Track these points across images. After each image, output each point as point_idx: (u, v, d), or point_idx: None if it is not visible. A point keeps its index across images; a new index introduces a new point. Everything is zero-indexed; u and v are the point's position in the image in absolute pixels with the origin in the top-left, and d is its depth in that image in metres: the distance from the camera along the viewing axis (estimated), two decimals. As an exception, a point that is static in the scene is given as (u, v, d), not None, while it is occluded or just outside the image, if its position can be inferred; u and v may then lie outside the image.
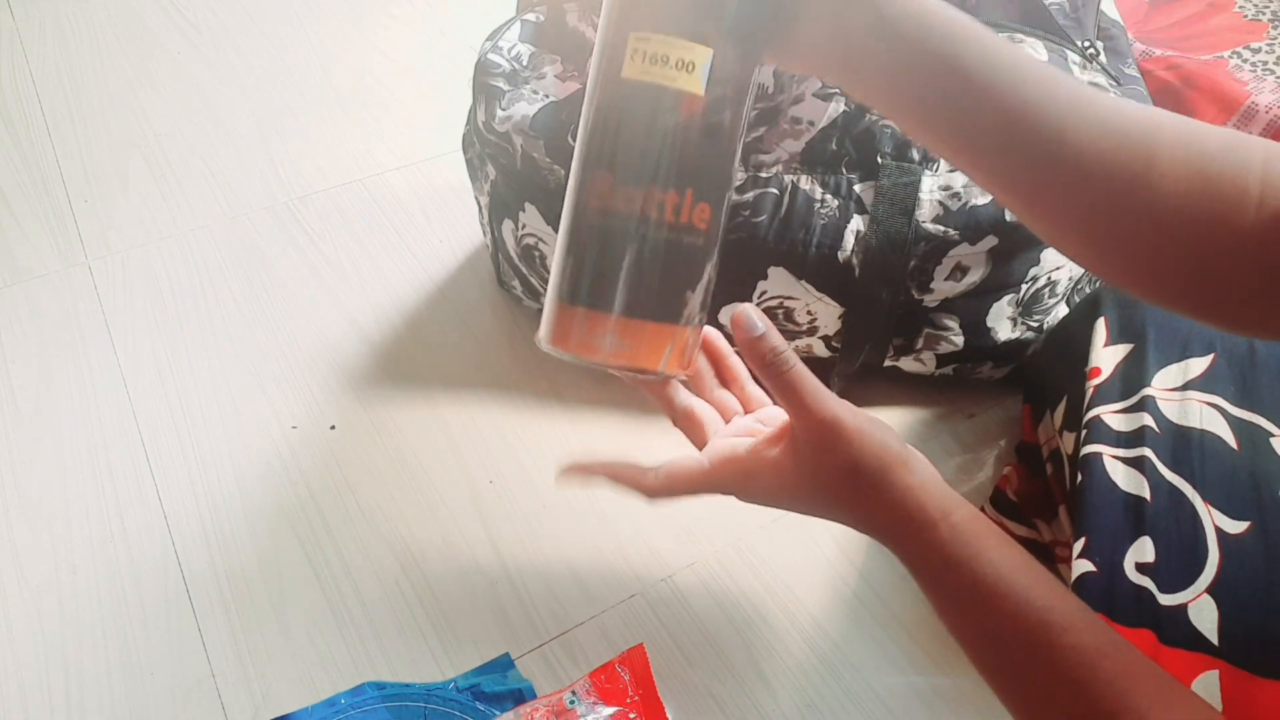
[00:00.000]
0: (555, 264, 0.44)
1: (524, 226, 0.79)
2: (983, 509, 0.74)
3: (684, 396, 0.56)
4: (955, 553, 0.45)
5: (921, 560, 0.47)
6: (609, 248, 0.42)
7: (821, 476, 0.48)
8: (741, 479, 0.51)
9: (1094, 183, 0.44)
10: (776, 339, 0.46)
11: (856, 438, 0.46)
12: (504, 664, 0.67)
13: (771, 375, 0.46)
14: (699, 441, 0.55)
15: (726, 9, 0.41)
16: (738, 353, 0.53)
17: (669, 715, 0.64)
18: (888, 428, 0.48)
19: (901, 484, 0.46)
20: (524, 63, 0.79)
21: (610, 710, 0.63)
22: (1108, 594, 0.56)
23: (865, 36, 0.44)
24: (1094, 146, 0.44)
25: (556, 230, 0.77)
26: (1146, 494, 0.58)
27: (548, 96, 0.77)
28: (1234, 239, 0.42)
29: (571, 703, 0.63)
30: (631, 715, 0.63)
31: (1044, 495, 0.70)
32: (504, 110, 0.77)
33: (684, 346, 0.44)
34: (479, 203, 0.87)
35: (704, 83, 0.41)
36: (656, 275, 0.42)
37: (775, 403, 0.53)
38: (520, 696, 0.65)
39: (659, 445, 0.58)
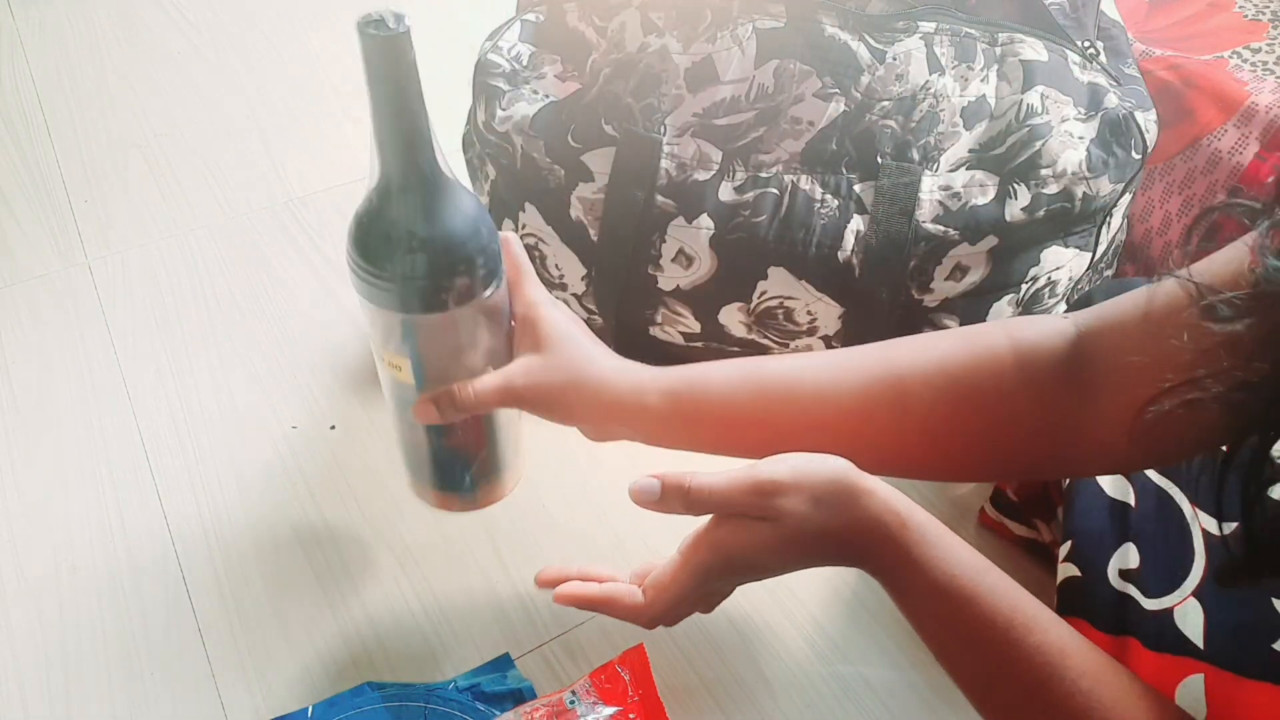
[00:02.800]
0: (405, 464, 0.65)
1: (524, 226, 0.79)
2: (983, 509, 0.74)
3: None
4: (921, 555, 0.46)
5: (893, 566, 0.47)
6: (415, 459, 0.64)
7: (794, 522, 0.48)
8: (724, 560, 0.50)
9: (864, 431, 0.52)
10: (671, 482, 0.49)
11: (800, 480, 0.47)
12: (504, 664, 0.67)
13: (695, 507, 0.49)
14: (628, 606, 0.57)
15: (406, 338, 0.55)
16: None
17: (669, 715, 0.64)
18: (824, 457, 0.48)
19: (861, 495, 0.47)
20: (524, 63, 0.79)
21: (610, 710, 0.63)
22: (1091, 599, 0.56)
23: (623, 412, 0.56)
24: (849, 405, 0.52)
25: (557, 230, 0.78)
26: (1132, 499, 0.58)
27: (548, 96, 0.77)
28: (1005, 409, 0.50)
29: (571, 703, 0.63)
30: (631, 715, 0.63)
31: (1044, 495, 0.70)
32: (504, 110, 0.77)
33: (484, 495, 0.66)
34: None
35: (411, 373, 0.56)
36: (435, 464, 0.63)
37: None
38: (520, 696, 0.65)
39: (656, 452, 0.58)
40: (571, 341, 0.55)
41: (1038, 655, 0.42)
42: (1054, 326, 0.51)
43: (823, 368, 0.53)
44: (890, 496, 0.47)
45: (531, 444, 0.81)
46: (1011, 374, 0.50)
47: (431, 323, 0.53)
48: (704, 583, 0.51)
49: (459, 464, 0.63)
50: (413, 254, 0.51)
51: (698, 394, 0.54)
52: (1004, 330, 0.52)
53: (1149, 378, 0.40)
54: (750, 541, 0.48)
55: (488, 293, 0.54)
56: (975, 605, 0.44)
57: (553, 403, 0.56)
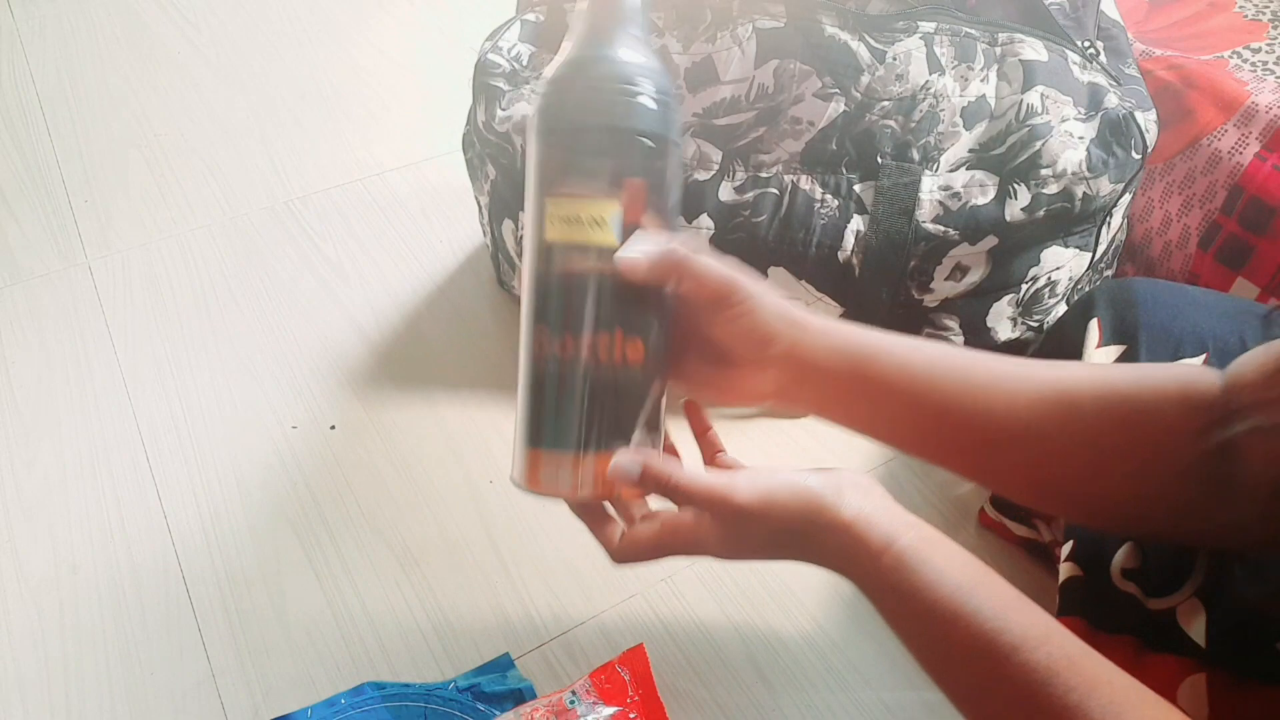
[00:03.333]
0: (517, 411, 0.48)
1: (524, 226, 0.79)
2: (983, 509, 0.74)
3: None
4: (903, 581, 0.45)
5: (872, 592, 0.47)
6: (554, 393, 0.47)
7: (755, 542, 0.48)
8: (688, 546, 0.49)
9: (1030, 445, 0.50)
10: (654, 469, 0.47)
11: (767, 510, 0.46)
12: (504, 664, 0.67)
13: (670, 496, 0.48)
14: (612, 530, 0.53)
15: (624, 162, 0.46)
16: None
17: (669, 715, 0.64)
18: (806, 473, 0.47)
19: (837, 524, 0.46)
20: (524, 63, 0.79)
21: (610, 710, 0.63)
22: (1092, 599, 0.56)
23: (788, 364, 0.50)
24: (1018, 418, 0.49)
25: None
26: None
27: (548, 96, 0.77)
28: (1160, 465, 0.48)
29: (571, 703, 0.63)
30: (631, 715, 0.63)
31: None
32: (504, 110, 0.77)
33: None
34: (479, 203, 0.87)
35: (616, 233, 0.45)
36: (602, 412, 0.46)
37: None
38: (520, 696, 0.65)
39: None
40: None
41: (1021, 675, 0.42)
42: (1208, 371, 0.50)
43: (1000, 375, 0.51)
44: (871, 524, 0.46)
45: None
46: (1175, 401, 0.48)
47: (659, 152, 0.47)
48: (668, 555, 0.51)
49: (632, 400, 0.47)
50: (649, 77, 0.46)
51: (882, 362, 0.50)
52: (1165, 368, 0.52)
53: None
54: (715, 542, 0.48)
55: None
56: (956, 628, 0.44)
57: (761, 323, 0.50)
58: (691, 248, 0.47)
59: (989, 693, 0.44)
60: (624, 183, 0.45)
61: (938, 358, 0.51)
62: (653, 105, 0.46)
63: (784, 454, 0.80)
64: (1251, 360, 0.47)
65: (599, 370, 0.46)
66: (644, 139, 0.46)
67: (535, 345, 0.47)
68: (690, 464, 0.50)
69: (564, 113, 0.46)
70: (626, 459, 0.47)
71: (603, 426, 0.46)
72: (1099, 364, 0.52)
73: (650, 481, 0.47)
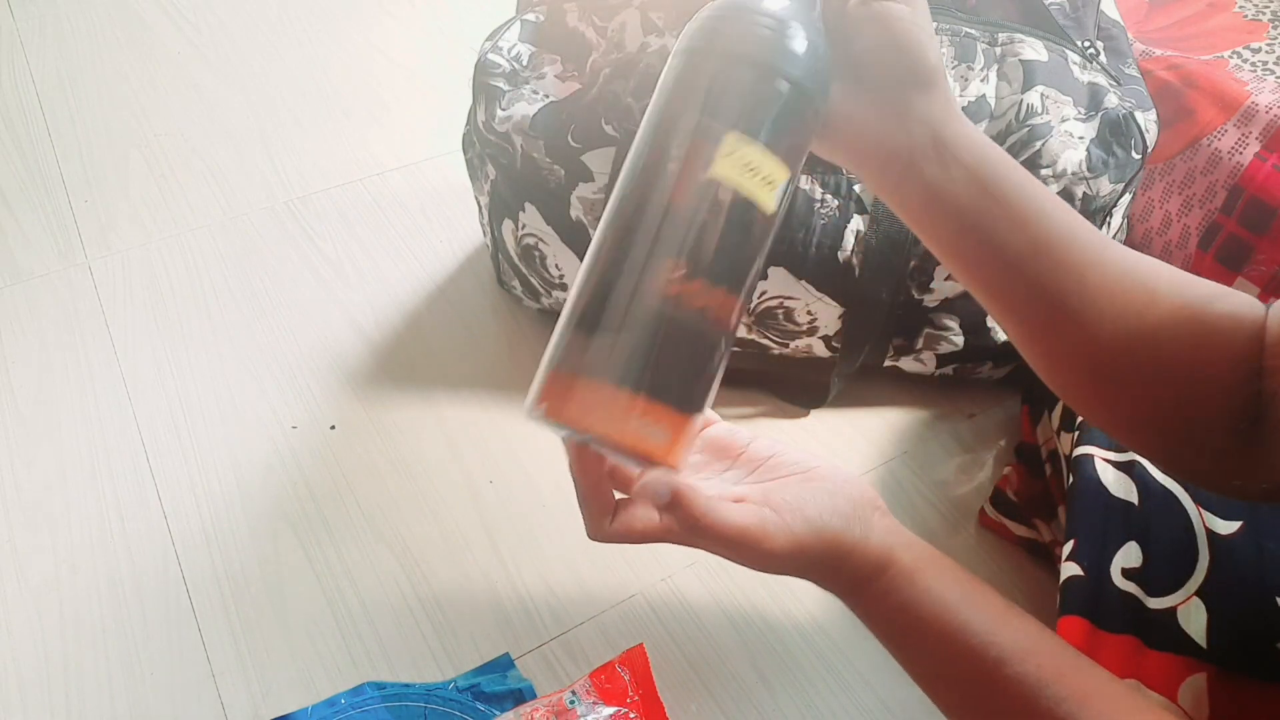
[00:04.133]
0: (587, 338, 0.41)
1: (524, 226, 0.79)
2: (983, 509, 0.74)
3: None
4: (897, 598, 0.46)
5: (866, 616, 0.47)
6: (649, 328, 0.41)
7: (764, 561, 0.46)
8: (695, 546, 0.47)
9: (1104, 322, 0.45)
10: (685, 499, 0.44)
11: (794, 556, 0.45)
12: (504, 664, 0.67)
13: (694, 532, 0.45)
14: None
15: (804, 143, 0.44)
16: None
17: (669, 715, 0.64)
18: (832, 514, 0.46)
19: (848, 558, 0.46)
20: (524, 63, 0.79)
21: (610, 710, 0.63)
22: (1094, 598, 0.56)
23: (916, 152, 0.46)
24: (1108, 288, 0.45)
25: (557, 230, 0.78)
26: (1135, 499, 0.58)
27: (548, 96, 0.77)
28: (1218, 392, 0.44)
29: (571, 703, 0.63)
30: (631, 715, 0.63)
31: (1044, 495, 0.70)
32: (504, 110, 0.77)
33: (691, 439, 0.44)
34: (479, 203, 0.87)
35: (777, 201, 0.43)
36: (697, 367, 0.43)
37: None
38: (520, 696, 0.65)
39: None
40: None
41: (1011, 687, 0.42)
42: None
43: (1087, 243, 0.47)
44: (880, 544, 0.46)
45: (531, 444, 0.81)
46: (1250, 322, 0.45)
47: (824, 111, 0.45)
48: (662, 543, 0.48)
49: (713, 365, 0.44)
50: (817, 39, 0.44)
51: (1001, 179, 0.46)
52: (1245, 297, 0.47)
53: None
54: (722, 554, 0.47)
55: None
56: (946, 643, 0.44)
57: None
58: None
59: (980, 706, 0.44)
60: (798, 162, 0.44)
61: (1050, 197, 0.47)
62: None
63: (784, 454, 0.79)
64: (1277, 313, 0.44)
65: (706, 324, 0.42)
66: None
67: (654, 272, 0.41)
68: (714, 488, 0.48)
69: (791, 61, 0.43)
70: (656, 479, 0.45)
71: (679, 380, 0.42)
72: (1181, 272, 0.48)
73: (678, 510, 0.44)
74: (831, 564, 0.46)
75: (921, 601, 0.45)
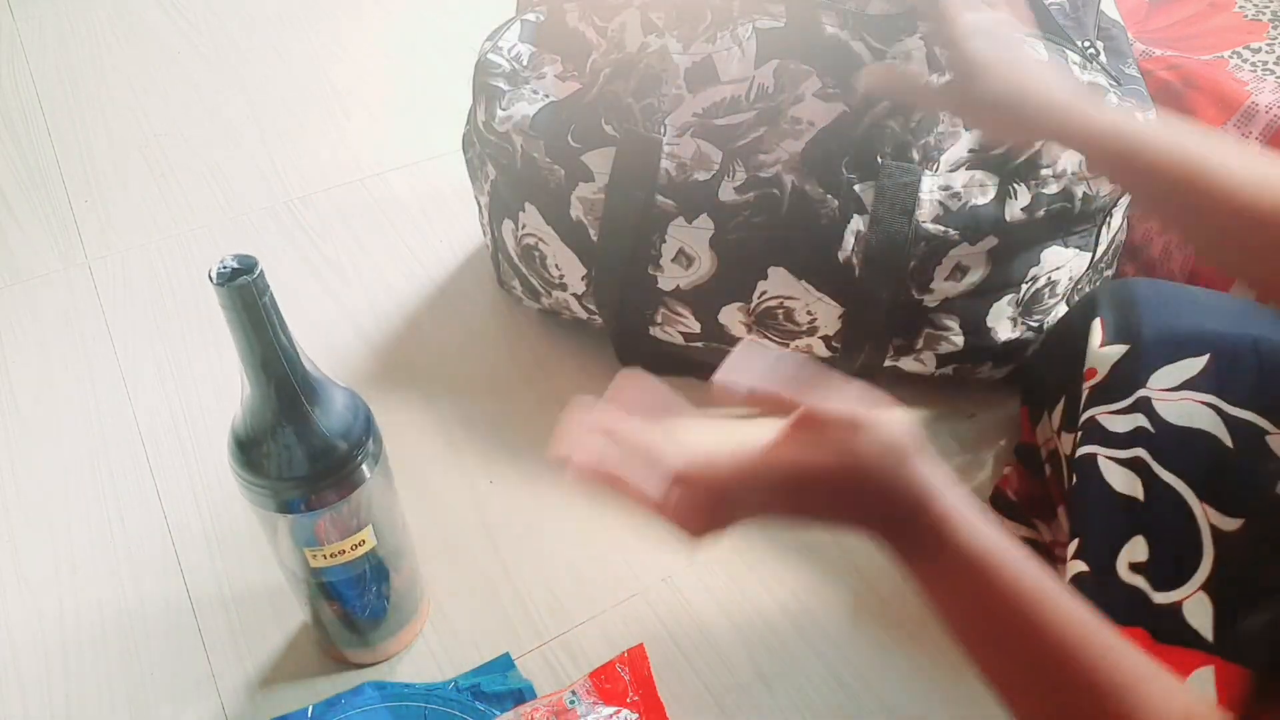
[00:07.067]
0: None
1: (524, 226, 0.79)
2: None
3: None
4: (956, 522, 0.44)
5: (925, 529, 0.45)
6: None
7: (849, 460, 0.45)
8: (779, 471, 0.46)
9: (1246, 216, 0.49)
10: (765, 394, 0.46)
11: (875, 431, 0.45)
12: (504, 664, 0.67)
13: (788, 410, 0.46)
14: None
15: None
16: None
17: (669, 715, 0.64)
18: (893, 420, 0.46)
19: (914, 459, 0.45)
20: (524, 63, 0.79)
21: (610, 710, 0.63)
22: (1101, 594, 0.56)
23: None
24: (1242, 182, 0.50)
25: (557, 230, 0.78)
26: (1140, 494, 0.58)
27: (548, 96, 0.77)
28: None
29: (571, 703, 0.63)
30: (632, 715, 0.63)
31: (1043, 495, 0.70)
32: (504, 110, 0.77)
33: None
34: (479, 203, 0.87)
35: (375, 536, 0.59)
36: None
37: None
38: (520, 696, 0.65)
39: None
40: None
41: (1068, 624, 0.42)
42: None
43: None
44: (934, 469, 0.46)
45: (531, 444, 0.81)
46: None
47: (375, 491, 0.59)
48: (746, 486, 0.47)
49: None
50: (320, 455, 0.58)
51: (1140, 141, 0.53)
52: None
53: None
54: (811, 462, 0.46)
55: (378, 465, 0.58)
56: (1003, 572, 0.44)
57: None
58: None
59: (1030, 641, 0.43)
60: None
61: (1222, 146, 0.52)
62: None
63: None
64: None
65: None
66: None
67: None
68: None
69: None
70: (724, 378, 0.46)
71: None
72: None
73: (767, 399, 0.46)
74: (900, 439, 0.45)
75: (980, 532, 0.44)
